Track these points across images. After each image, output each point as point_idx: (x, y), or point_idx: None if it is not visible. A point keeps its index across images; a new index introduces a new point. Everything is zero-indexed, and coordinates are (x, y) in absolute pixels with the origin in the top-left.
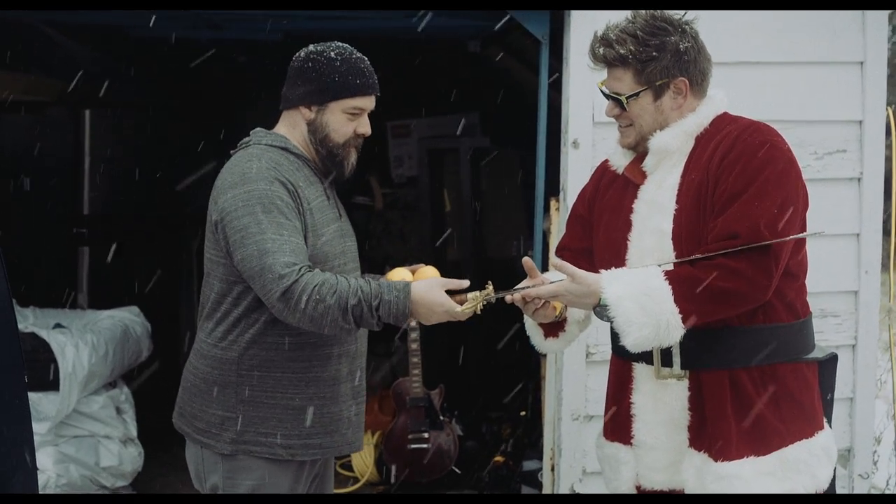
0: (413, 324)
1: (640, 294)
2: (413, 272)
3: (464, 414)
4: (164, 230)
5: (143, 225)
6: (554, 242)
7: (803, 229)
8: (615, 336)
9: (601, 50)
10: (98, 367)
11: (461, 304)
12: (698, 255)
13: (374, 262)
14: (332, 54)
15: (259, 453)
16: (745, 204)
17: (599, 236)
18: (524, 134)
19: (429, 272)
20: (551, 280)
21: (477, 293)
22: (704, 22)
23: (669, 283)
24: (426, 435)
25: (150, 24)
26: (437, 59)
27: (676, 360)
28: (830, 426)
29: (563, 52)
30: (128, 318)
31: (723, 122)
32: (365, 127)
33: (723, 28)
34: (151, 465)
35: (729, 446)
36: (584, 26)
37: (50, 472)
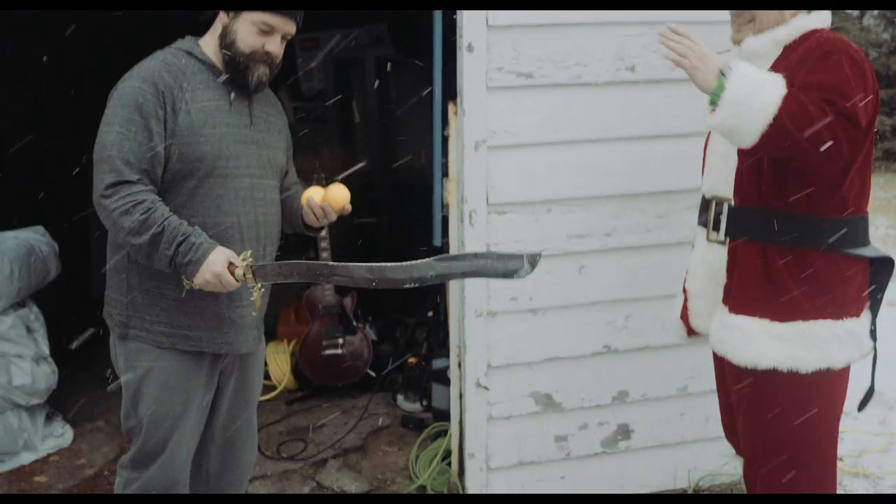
0: (323, 233)
1: (761, 76)
2: (325, 189)
3: (378, 319)
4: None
5: (48, 144)
6: (453, 147)
7: (869, 137)
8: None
9: None
10: (4, 288)
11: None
12: None
13: None
14: None
15: (144, 339)
16: (825, 86)
17: None
18: (431, 42)
19: (337, 189)
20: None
21: (244, 263)
22: None
23: (785, 89)
24: (340, 341)
25: None
26: None
27: (722, 227)
28: (874, 323)
29: None
30: (33, 237)
31: (810, 37)
32: (273, 45)
33: None
34: (67, 383)
35: (746, 304)
36: None
37: None
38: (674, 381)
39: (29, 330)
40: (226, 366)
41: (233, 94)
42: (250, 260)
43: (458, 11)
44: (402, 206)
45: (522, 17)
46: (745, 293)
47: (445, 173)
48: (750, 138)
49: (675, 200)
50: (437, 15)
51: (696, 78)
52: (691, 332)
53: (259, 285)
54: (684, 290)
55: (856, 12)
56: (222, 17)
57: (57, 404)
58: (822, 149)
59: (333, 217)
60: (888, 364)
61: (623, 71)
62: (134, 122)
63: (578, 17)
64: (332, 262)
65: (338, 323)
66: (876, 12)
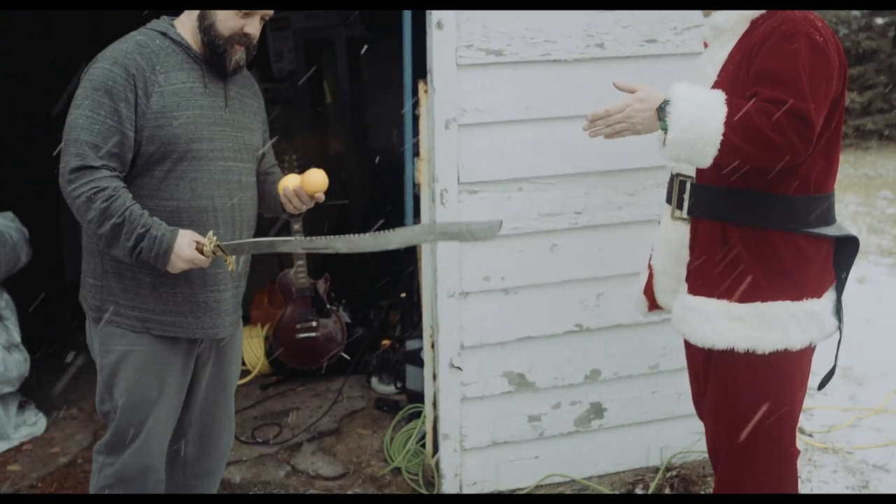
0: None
1: (700, 103)
2: (301, 175)
3: (352, 302)
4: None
5: (16, 127)
6: (424, 126)
7: (838, 112)
8: None
9: None
10: None
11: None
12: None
13: None
14: None
15: (119, 323)
16: (778, 78)
17: None
18: (400, 21)
19: (316, 174)
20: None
21: (211, 243)
22: None
23: (727, 108)
24: (314, 324)
25: None
26: None
27: (685, 205)
28: (839, 303)
29: None
30: (2, 223)
31: (777, 11)
32: (251, 28)
33: None
34: (39, 371)
35: (703, 284)
36: None
37: None
38: (646, 359)
39: (0, 317)
40: (202, 351)
41: (207, 77)
42: (216, 239)
43: None
44: (375, 187)
45: None
46: (703, 273)
47: (417, 153)
48: (705, 163)
49: (646, 178)
50: None
51: (642, 131)
52: (653, 306)
53: (232, 258)
54: (649, 266)
55: None
56: None
57: (29, 392)
58: (776, 153)
59: (310, 203)
60: (857, 341)
61: (592, 48)
62: (103, 106)
63: None
64: (292, 238)
65: (311, 306)
66: None
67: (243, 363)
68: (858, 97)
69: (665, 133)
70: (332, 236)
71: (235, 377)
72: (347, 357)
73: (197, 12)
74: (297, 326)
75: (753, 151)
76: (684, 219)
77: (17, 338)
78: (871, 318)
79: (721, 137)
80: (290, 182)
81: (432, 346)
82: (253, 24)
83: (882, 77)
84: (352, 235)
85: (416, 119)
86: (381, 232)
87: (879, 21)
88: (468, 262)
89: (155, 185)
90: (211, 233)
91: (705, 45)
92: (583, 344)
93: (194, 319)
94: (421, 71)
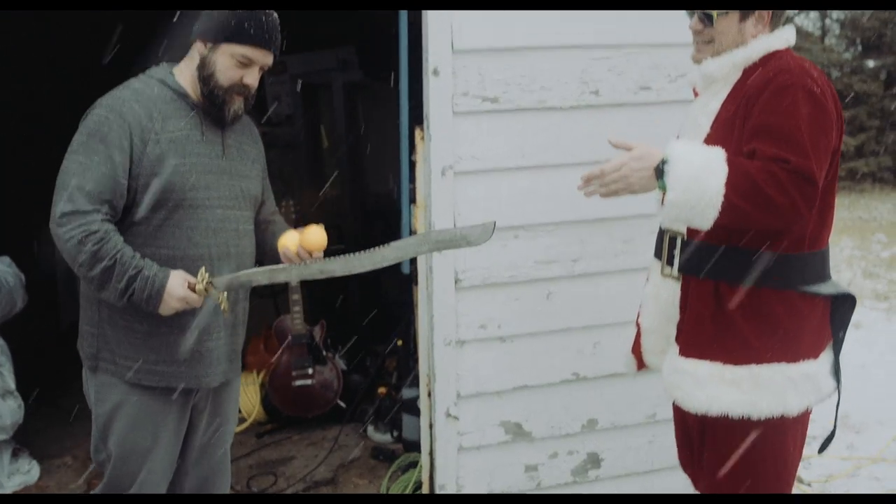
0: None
1: (700, 162)
2: (301, 233)
3: (348, 349)
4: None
5: (13, 172)
6: (421, 173)
7: (833, 165)
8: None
9: None
10: None
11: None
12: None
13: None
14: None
15: (113, 372)
16: (778, 134)
17: None
18: (397, 66)
19: (315, 233)
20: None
21: (203, 281)
22: None
23: (727, 167)
24: (310, 371)
25: None
26: None
27: (676, 262)
28: (837, 363)
29: None
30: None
31: (770, 60)
32: (251, 78)
33: None
34: (33, 418)
35: (696, 346)
36: None
37: None
38: (643, 408)
39: None
40: (198, 400)
41: (205, 125)
42: (208, 276)
43: (424, 35)
44: (371, 232)
45: (488, 40)
46: (696, 334)
47: (413, 199)
48: (705, 225)
49: (642, 225)
50: (404, 39)
51: (638, 191)
52: (642, 365)
53: (224, 294)
54: (637, 324)
55: (818, 31)
56: (199, 47)
57: (23, 440)
58: (780, 214)
59: (311, 260)
60: (853, 388)
61: (588, 94)
62: (97, 152)
63: (543, 41)
64: (285, 265)
65: (308, 353)
66: (837, 32)
67: (239, 410)
68: (852, 140)
69: (664, 193)
70: (326, 260)
71: (232, 427)
72: (343, 405)
73: (197, 61)
74: (294, 373)
75: (756, 212)
76: (675, 276)
77: (12, 384)
78: (867, 365)
79: (722, 199)
80: (289, 242)
81: (429, 395)
82: (252, 75)
83: (874, 120)
84: (346, 255)
85: (412, 165)
86: (376, 248)
87: (871, 64)
88: (464, 309)
89: (151, 232)
90: (203, 269)
91: (695, 94)
92: (579, 393)
93: (187, 369)
94: (417, 117)
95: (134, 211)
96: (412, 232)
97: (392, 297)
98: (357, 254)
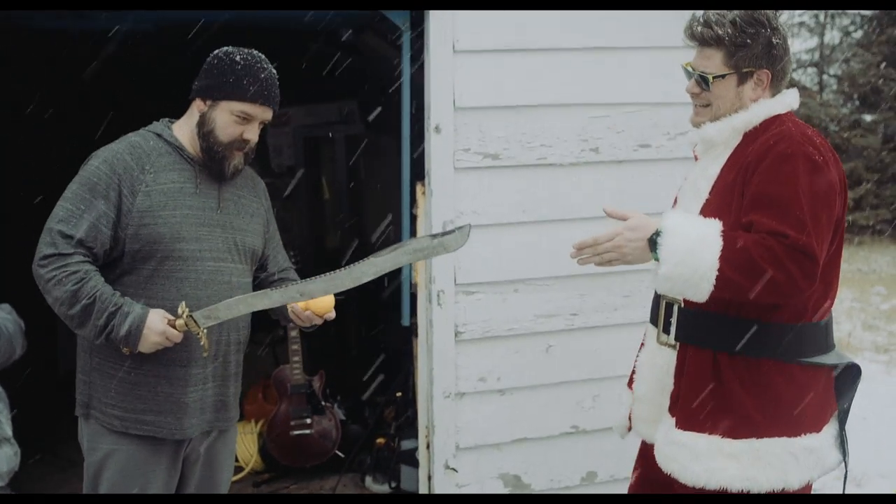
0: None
1: (695, 236)
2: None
3: (346, 399)
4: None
5: (14, 221)
6: (421, 227)
7: (838, 234)
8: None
9: (699, 29)
10: None
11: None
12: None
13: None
14: (237, 57)
15: (102, 421)
16: (777, 206)
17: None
18: (399, 121)
19: (324, 299)
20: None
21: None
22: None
23: (723, 241)
24: (308, 421)
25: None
26: (313, 48)
27: (672, 330)
28: (843, 436)
29: (425, 39)
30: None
31: (771, 125)
32: (251, 134)
33: (584, 15)
34: (31, 465)
35: (694, 419)
36: (444, 16)
37: None
38: None
39: None
40: (190, 451)
41: (200, 178)
42: (188, 311)
43: (426, 92)
44: (372, 285)
45: (489, 98)
46: (693, 405)
47: None
48: (700, 298)
49: (641, 279)
50: (406, 95)
51: (633, 262)
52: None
53: (203, 329)
54: (630, 389)
55: (815, 87)
56: (199, 105)
57: (19, 487)
58: (778, 289)
59: (319, 321)
60: (855, 441)
61: (587, 152)
62: (84, 201)
63: (544, 99)
64: (265, 291)
65: (306, 402)
66: (835, 87)
67: (236, 459)
68: (851, 193)
69: (657, 264)
70: (306, 280)
71: (227, 479)
72: (342, 455)
73: (197, 117)
74: (292, 423)
75: (753, 287)
76: (671, 344)
77: (9, 431)
78: (868, 417)
79: (717, 273)
80: (297, 303)
81: (427, 447)
82: (252, 130)
83: (873, 173)
84: (325, 275)
85: (413, 219)
86: (354, 265)
87: (868, 118)
88: (464, 362)
89: (141, 283)
90: (183, 303)
91: (696, 158)
92: (579, 446)
93: (174, 419)
94: (419, 172)
95: (123, 261)
96: (412, 284)
97: (392, 348)
98: (337, 272)
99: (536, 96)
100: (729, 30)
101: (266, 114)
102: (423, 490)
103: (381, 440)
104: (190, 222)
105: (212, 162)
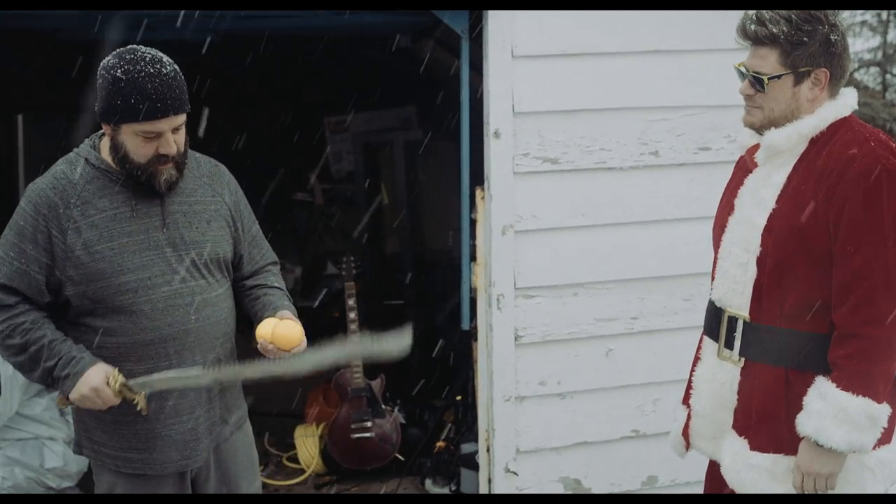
0: (352, 315)
1: (838, 417)
2: (275, 326)
3: (406, 402)
4: None
5: None
6: (481, 231)
7: None
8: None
9: (752, 27)
10: None
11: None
12: None
13: (316, 257)
14: (119, 72)
15: (96, 460)
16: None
17: (717, 209)
18: (458, 126)
19: (286, 329)
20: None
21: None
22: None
23: (846, 392)
24: (368, 424)
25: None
26: (372, 55)
27: (737, 345)
28: None
29: (483, 45)
30: None
31: (839, 128)
32: (166, 147)
33: (641, 19)
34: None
35: (770, 439)
36: (502, 19)
37: None
38: (703, 466)
39: (62, 412)
40: (197, 474)
41: (137, 199)
42: (121, 377)
43: (485, 98)
44: (430, 289)
45: (548, 103)
46: (768, 426)
47: (474, 257)
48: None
49: (702, 283)
50: (465, 100)
51: (837, 469)
52: (691, 447)
53: (143, 394)
54: (688, 405)
55: (878, 86)
56: (106, 129)
57: (87, 488)
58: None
59: (289, 357)
60: None
61: (647, 155)
62: (13, 247)
63: (602, 103)
64: (196, 372)
65: (367, 406)
66: None
67: (298, 462)
68: None
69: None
70: (242, 365)
71: (248, 485)
72: (402, 458)
73: (109, 142)
74: (353, 426)
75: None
76: (734, 361)
77: None
78: None
79: (874, 403)
80: (265, 332)
81: (487, 450)
82: (165, 144)
83: None
84: (258, 362)
85: (472, 223)
86: (293, 356)
87: None
88: (524, 366)
89: (97, 325)
90: (116, 370)
91: (752, 164)
92: (639, 450)
93: (160, 454)
94: (478, 175)
95: (74, 304)
96: (472, 289)
97: (452, 352)
98: (268, 361)
99: (595, 100)
100: (784, 27)
101: (172, 122)
102: (482, 493)
103: (441, 444)
104: (131, 250)
105: (140, 183)
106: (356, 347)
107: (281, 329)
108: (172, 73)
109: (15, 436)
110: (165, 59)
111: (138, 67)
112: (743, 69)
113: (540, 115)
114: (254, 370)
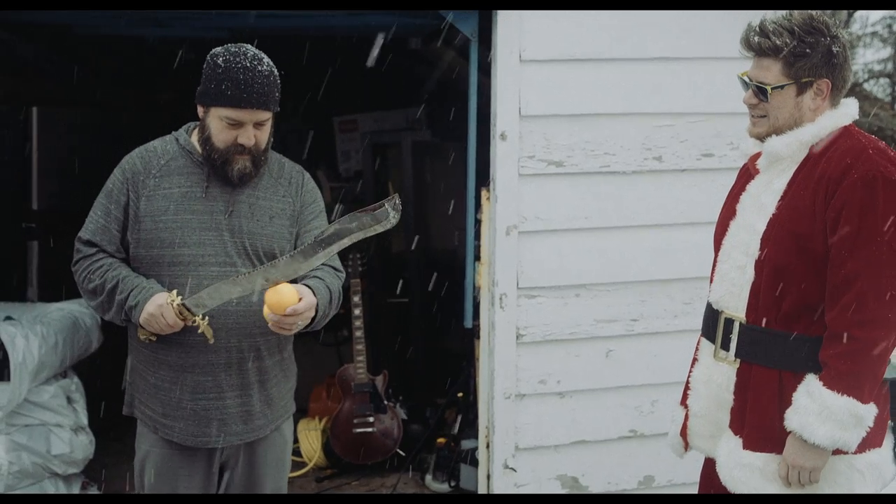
0: (357, 312)
1: (822, 415)
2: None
3: (408, 399)
4: None
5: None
6: (486, 232)
7: None
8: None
9: (756, 39)
10: (48, 358)
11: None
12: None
13: None
14: (220, 60)
15: (142, 420)
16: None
17: (720, 214)
18: (465, 127)
19: (277, 291)
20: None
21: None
22: (635, 18)
23: (831, 391)
24: (371, 419)
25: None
26: (383, 56)
27: (733, 347)
28: None
29: (492, 48)
30: (77, 309)
31: (839, 137)
32: (245, 138)
33: (647, 26)
34: (103, 454)
35: (763, 439)
36: (510, 23)
37: (2, 459)
38: (699, 467)
39: (69, 400)
40: (227, 458)
41: (211, 182)
42: (178, 298)
43: (492, 100)
44: (435, 287)
45: (554, 107)
46: (761, 426)
47: (478, 256)
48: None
49: (702, 287)
50: (473, 102)
51: (821, 465)
52: (690, 447)
53: (200, 317)
54: (685, 405)
55: (887, 98)
56: (200, 111)
57: (92, 474)
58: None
59: (290, 322)
60: None
61: (650, 160)
62: (100, 206)
63: (608, 108)
64: (238, 276)
65: (369, 401)
66: None
67: (299, 455)
68: None
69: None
70: (266, 266)
71: (272, 484)
72: (403, 453)
73: (200, 122)
74: (355, 421)
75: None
76: (730, 361)
77: (85, 420)
78: None
79: (860, 404)
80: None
81: (487, 447)
82: (245, 135)
83: None
84: (284, 258)
85: (477, 223)
86: (303, 248)
87: None
88: (525, 364)
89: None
90: (175, 292)
91: (754, 170)
92: (637, 450)
93: (191, 426)
94: (484, 176)
95: (134, 264)
96: (475, 287)
97: (454, 350)
98: (292, 255)
99: (600, 105)
100: (787, 39)
101: (255, 116)
102: (482, 489)
103: (441, 440)
104: (192, 227)
105: (213, 166)
106: (348, 224)
107: (270, 296)
108: (267, 72)
109: (23, 422)
110: (266, 59)
111: (237, 59)
112: (747, 79)
113: (546, 119)
114: (277, 271)
